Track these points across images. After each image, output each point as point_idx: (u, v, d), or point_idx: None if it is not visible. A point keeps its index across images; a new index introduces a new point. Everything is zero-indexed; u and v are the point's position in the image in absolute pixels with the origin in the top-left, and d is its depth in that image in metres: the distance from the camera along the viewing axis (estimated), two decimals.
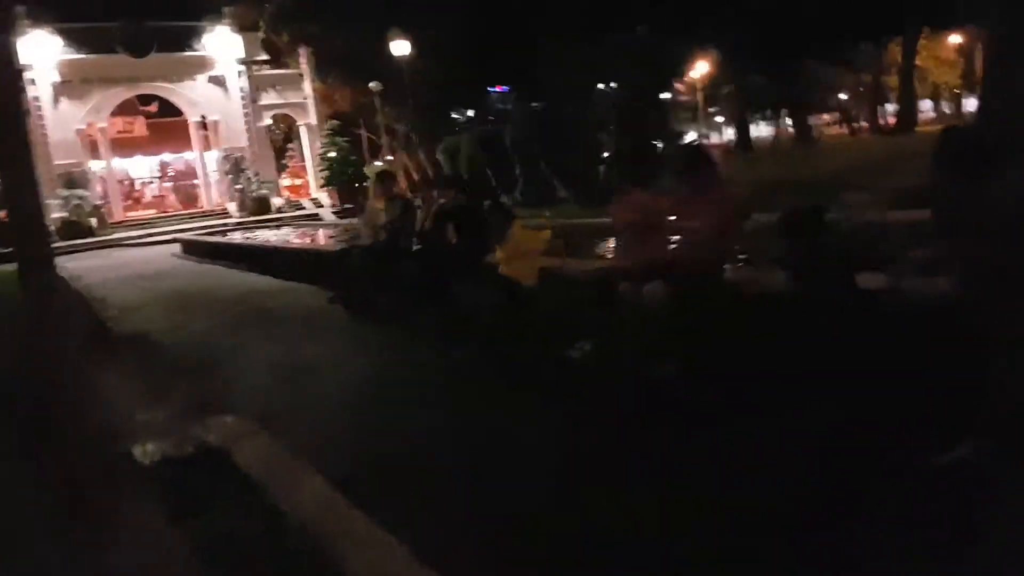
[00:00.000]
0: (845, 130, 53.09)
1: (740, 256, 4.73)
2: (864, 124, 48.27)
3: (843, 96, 53.50)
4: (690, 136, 61.56)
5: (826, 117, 62.54)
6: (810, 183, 13.49)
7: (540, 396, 4.05)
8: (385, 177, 7.94)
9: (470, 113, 44.65)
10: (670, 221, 4.56)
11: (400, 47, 20.92)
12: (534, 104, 18.35)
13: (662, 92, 18.81)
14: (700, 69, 43.83)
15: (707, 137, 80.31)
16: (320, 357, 5.39)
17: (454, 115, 43.55)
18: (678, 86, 49.17)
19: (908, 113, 37.94)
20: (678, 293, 4.13)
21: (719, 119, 66.37)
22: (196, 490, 2.68)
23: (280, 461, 2.81)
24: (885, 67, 43.30)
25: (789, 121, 48.94)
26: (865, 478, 2.51)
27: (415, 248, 7.09)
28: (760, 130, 67.96)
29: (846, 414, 2.88)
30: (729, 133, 58.45)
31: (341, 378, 4.81)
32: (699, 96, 47.60)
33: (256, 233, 21.34)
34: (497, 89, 43.47)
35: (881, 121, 44.91)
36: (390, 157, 38.39)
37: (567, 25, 16.84)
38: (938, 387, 2.70)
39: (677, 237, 4.54)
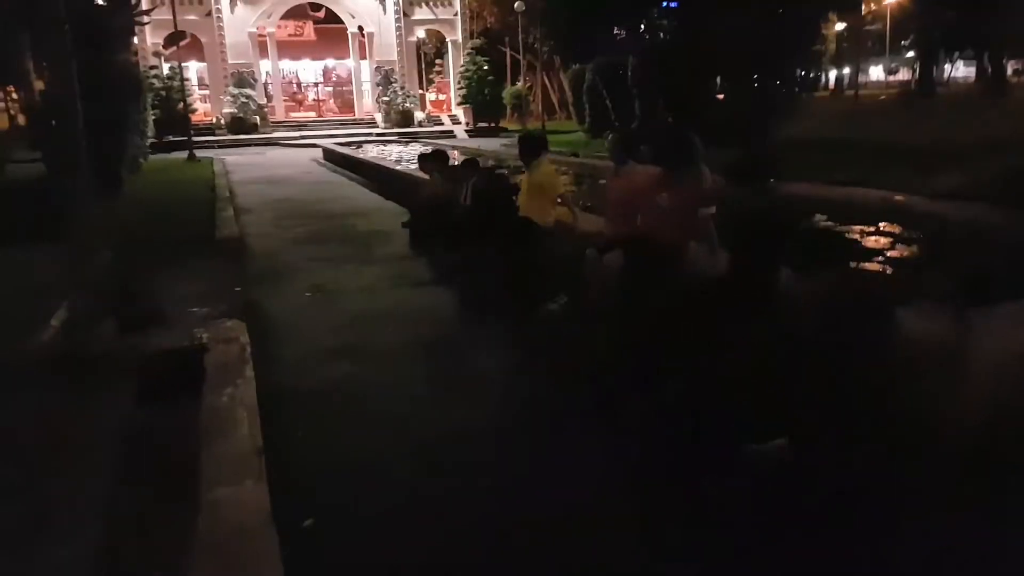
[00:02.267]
0: None
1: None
2: None
3: None
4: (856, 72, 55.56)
5: None
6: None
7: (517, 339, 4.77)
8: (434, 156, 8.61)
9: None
10: (650, 198, 4.78)
11: None
12: (662, 38, 17.81)
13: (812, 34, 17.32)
14: None
15: (895, 72, 72.15)
16: (358, 279, 6.32)
17: (617, 31, 42.11)
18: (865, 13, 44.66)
19: None
20: (629, 266, 4.51)
21: (910, 54, 59.71)
22: (167, 381, 3.59)
23: (235, 366, 3.61)
24: None
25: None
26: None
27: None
28: (959, 71, 60.46)
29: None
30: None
31: (361, 299, 5.69)
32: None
33: (387, 147, 22.73)
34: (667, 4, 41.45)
35: None
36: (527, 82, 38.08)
37: None
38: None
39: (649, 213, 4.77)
